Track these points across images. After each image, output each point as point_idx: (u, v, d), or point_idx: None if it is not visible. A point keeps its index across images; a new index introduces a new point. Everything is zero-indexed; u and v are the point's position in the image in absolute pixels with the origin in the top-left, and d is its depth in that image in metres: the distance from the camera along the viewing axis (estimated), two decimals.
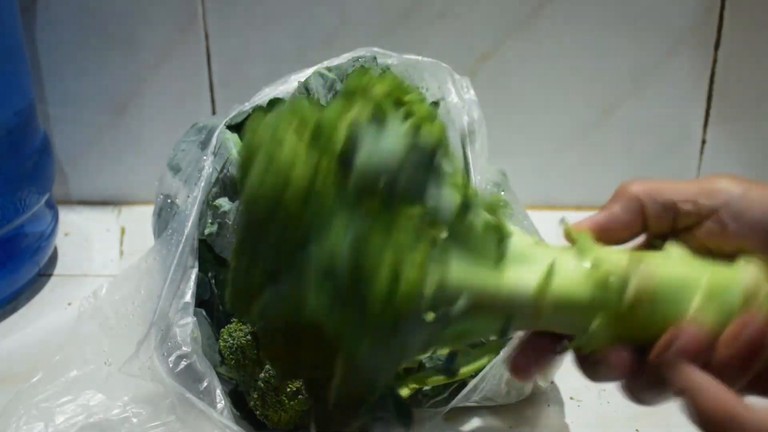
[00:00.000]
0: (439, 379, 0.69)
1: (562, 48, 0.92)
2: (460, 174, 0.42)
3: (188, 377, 0.66)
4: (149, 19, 0.93)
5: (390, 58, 0.74)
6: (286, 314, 0.40)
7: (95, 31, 0.94)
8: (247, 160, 0.41)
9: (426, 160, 0.40)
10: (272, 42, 0.92)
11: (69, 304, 0.86)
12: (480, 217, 0.42)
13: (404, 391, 0.69)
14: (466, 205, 0.41)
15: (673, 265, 0.43)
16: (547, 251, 0.43)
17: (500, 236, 0.42)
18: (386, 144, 0.39)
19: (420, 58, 0.75)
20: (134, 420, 0.68)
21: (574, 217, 0.46)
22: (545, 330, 0.44)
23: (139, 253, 0.74)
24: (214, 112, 0.97)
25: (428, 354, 0.45)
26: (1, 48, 0.80)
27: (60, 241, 0.94)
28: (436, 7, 0.91)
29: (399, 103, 0.41)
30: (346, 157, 0.39)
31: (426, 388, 0.70)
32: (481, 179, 0.73)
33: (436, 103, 0.56)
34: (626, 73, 0.93)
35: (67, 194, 1.01)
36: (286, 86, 0.71)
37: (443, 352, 0.66)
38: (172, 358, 0.66)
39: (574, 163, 0.98)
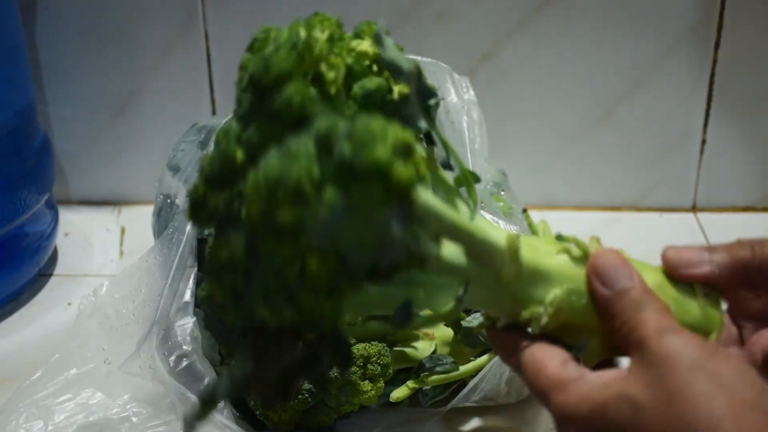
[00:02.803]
0: (439, 379, 0.69)
1: (562, 48, 0.92)
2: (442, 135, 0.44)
3: (188, 376, 0.66)
4: (149, 19, 0.93)
5: None
6: (270, 179, 0.39)
7: (95, 31, 0.94)
8: (260, 45, 0.42)
9: (424, 96, 0.42)
10: None
11: (69, 304, 0.86)
12: (455, 178, 0.43)
13: (403, 391, 0.69)
14: (447, 161, 0.43)
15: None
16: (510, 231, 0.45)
17: (470, 201, 0.43)
18: (402, 56, 0.41)
19: (420, 58, 0.75)
20: (134, 419, 0.68)
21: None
22: (497, 309, 0.45)
23: (139, 253, 0.74)
24: (214, 112, 0.97)
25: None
26: (1, 48, 0.80)
27: (60, 241, 0.94)
28: (436, 7, 0.91)
29: None
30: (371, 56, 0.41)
31: (426, 387, 0.70)
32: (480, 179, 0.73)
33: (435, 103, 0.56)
34: (626, 73, 0.93)
35: (67, 194, 1.01)
36: None
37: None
38: (172, 358, 0.66)
39: (574, 163, 0.98)
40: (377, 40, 0.41)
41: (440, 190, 0.42)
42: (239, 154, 0.41)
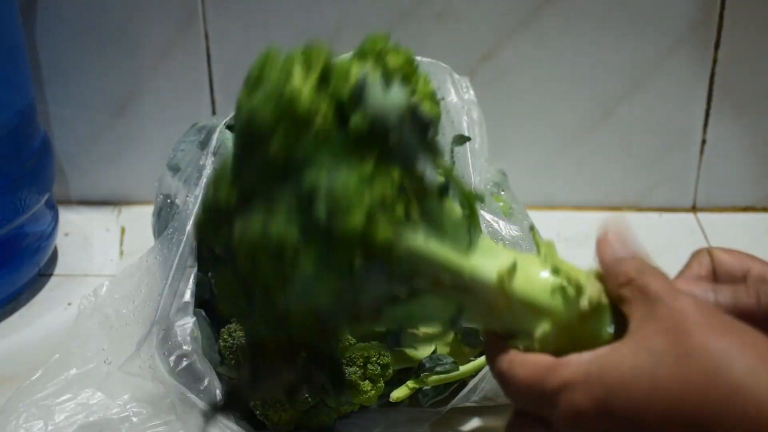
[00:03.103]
0: (439, 379, 0.69)
1: (563, 48, 0.92)
2: (446, 159, 0.44)
3: (188, 376, 0.66)
4: (149, 19, 0.93)
5: None
6: (252, 239, 0.40)
7: (95, 31, 0.94)
8: (253, 82, 0.43)
9: (420, 130, 0.42)
10: (272, 42, 0.92)
11: (69, 304, 0.86)
12: (456, 205, 0.43)
13: (403, 391, 0.69)
14: (446, 188, 0.43)
15: None
16: (512, 253, 0.44)
17: (472, 226, 0.43)
18: (390, 99, 0.41)
19: (419, 58, 0.75)
20: (134, 419, 0.68)
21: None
22: (490, 329, 0.45)
23: (139, 253, 0.74)
24: (214, 112, 0.97)
25: (379, 326, 0.46)
26: (1, 48, 0.80)
27: (60, 241, 0.94)
28: (436, 7, 0.91)
29: (406, 78, 0.42)
30: (351, 101, 0.41)
31: (426, 387, 0.70)
32: (480, 179, 0.73)
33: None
34: (626, 73, 0.93)
35: (67, 194, 1.01)
36: None
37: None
38: (172, 358, 0.66)
39: (574, 163, 0.98)
40: (357, 97, 0.41)
41: (435, 223, 0.42)
42: (232, 199, 0.43)
